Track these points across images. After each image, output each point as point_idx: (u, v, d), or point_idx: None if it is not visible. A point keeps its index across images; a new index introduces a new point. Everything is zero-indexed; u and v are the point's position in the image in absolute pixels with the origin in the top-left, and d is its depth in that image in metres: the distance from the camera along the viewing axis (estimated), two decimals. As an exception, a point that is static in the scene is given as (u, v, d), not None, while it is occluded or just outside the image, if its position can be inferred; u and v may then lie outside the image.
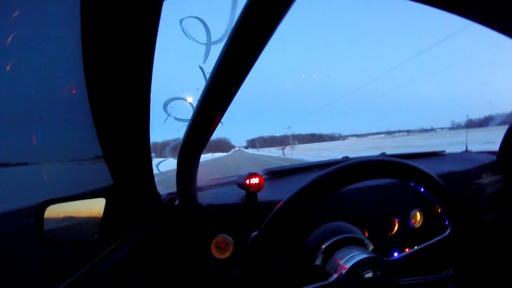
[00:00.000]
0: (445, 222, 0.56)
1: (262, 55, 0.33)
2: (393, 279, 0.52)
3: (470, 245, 0.54)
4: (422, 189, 0.53)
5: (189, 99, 0.62)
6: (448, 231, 0.56)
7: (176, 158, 0.59)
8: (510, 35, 0.62)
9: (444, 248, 0.57)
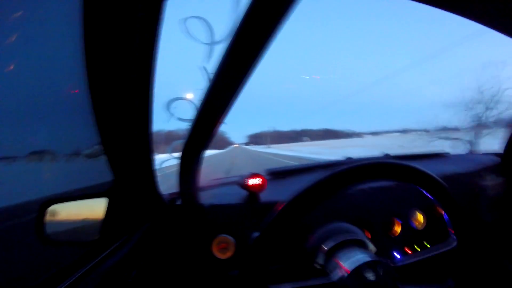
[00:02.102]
0: (448, 225, 0.55)
1: (267, 52, 0.33)
2: (394, 284, 0.52)
3: (472, 257, 0.53)
4: (426, 193, 0.53)
5: (192, 99, 0.62)
6: (453, 244, 0.55)
7: (178, 156, 0.59)
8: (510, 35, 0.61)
9: (446, 256, 0.56)
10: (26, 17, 0.54)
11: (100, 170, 0.63)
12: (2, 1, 0.51)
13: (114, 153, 0.55)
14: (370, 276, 0.50)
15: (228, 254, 0.70)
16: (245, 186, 0.74)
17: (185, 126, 0.52)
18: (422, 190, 0.53)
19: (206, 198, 0.78)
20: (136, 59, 0.41)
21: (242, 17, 0.29)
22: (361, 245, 0.63)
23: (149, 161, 0.59)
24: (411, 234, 0.83)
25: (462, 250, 0.54)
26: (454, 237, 0.55)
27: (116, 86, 0.44)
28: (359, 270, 0.51)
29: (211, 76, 0.37)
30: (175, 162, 0.62)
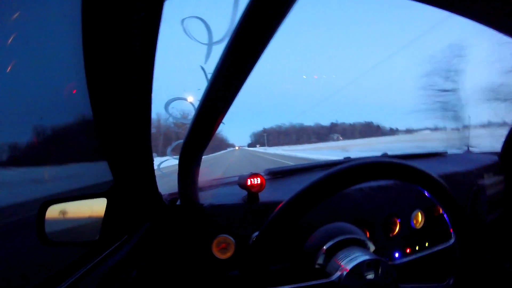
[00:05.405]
0: (448, 226, 0.55)
1: (266, 52, 0.33)
2: (394, 282, 0.52)
3: (473, 255, 0.54)
4: (426, 192, 0.53)
5: (191, 99, 0.62)
6: (452, 241, 0.56)
7: (178, 157, 0.59)
8: (510, 35, 0.62)
9: (446, 255, 0.56)
10: (25, 16, 0.54)
11: (99, 171, 0.63)
12: (1, 1, 0.51)
13: (113, 153, 0.56)
14: (369, 274, 0.51)
15: (228, 254, 0.70)
16: (245, 186, 0.75)
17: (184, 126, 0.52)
18: (421, 189, 0.53)
19: (205, 198, 0.78)
20: (135, 59, 0.41)
21: (241, 17, 0.29)
22: (361, 245, 0.63)
23: (149, 161, 0.59)
24: (410, 234, 0.83)
25: (462, 248, 0.54)
26: (453, 235, 0.55)
27: (116, 86, 0.45)
28: (358, 268, 0.51)
29: (211, 75, 0.38)
30: (175, 162, 0.62)
